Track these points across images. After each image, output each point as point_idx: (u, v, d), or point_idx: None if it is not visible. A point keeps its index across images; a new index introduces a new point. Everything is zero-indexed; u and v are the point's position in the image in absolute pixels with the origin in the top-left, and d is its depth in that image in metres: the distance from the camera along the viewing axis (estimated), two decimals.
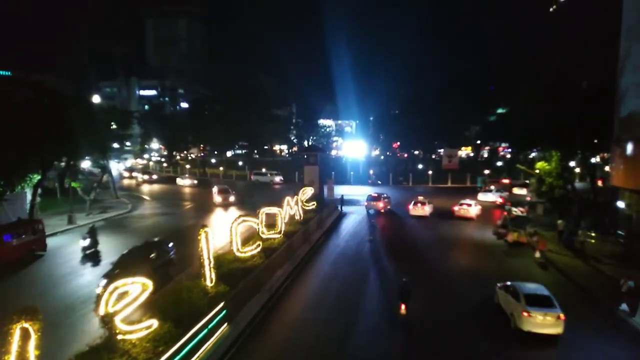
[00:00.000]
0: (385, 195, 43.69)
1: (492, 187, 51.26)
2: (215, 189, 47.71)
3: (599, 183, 41.29)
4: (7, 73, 61.32)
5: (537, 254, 26.44)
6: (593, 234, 30.36)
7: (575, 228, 30.95)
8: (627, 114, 29.27)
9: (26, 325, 8.45)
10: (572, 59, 48.92)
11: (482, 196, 48.63)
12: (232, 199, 46.13)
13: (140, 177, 75.00)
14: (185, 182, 67.38)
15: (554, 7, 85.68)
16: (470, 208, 39.45)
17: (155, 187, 67.37)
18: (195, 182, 67.22)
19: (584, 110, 31.06)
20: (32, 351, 8.55)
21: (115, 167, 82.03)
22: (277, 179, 69.52)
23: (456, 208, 39.88)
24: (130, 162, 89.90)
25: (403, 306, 17.80)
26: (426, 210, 40.32)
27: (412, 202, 41.15)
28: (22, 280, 22.58)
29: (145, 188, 64.59)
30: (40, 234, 26.97)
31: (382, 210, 41.59)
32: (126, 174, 78.00)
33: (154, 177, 75.83)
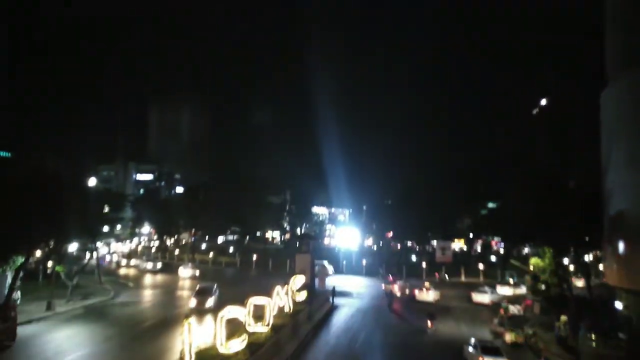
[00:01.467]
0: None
1: (487, 288, 44.88)
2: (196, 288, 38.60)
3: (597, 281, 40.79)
4: (5, 154, 62.42)
5: None
6: (593, 337, 29.24)
7: (575, 330, 29.88)
8: (616, 213, 29.78)
9: None
10: (556, 159, 50.92)
11: (476, 296, 43.28)
12: (210, 303, 35.01)
13: (143, 265, 64.55)
14: (186, 273, 56.77)
15: (537, 110, 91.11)
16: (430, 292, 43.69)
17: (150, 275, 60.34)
18: (197, 273, 57.41)
19: (573, 208, 31.60)
20: None
21: (114, 251, 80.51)
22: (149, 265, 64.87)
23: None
24: (127, 246, 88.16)
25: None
26: (431, 295, 42.87)
27: (418, 288, 44.98)
28: None
29: (131, 272, 62.27)
30: (10, 322, 24.67)
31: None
32: (124, 262, 69.38)
33: (159, 265, 65.15)
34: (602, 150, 33.28)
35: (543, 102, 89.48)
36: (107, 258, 70.62)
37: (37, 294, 37.55)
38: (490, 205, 74.58)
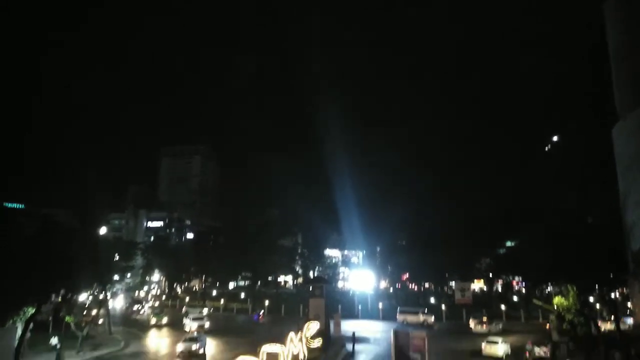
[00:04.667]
0: None
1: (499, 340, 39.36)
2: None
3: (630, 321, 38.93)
4: (20, 206, 63.28)
5: None
6: None
7: None
8: (639, 248, 28.82)
9: None
10: (572, 196, 50.22)
11: (489, 349, 37.83)
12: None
13: (189, 323, 49.78)
14: (193, 326, 49.24)
15: (549, 146, 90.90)
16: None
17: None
18: (207, 324, 51.01)
19: (593, 244, 30.66)
20: None
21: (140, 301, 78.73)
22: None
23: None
24: (150, 299, 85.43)
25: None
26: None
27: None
28: None
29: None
30: None
31: None
32: (153, 320, 55.82)
33: (164, 320, 55.66)
34: (620, 184, 32.75)
35: (554, 138, 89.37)
36: (126, 305, 64.73)
37: (46, 346, 36.70)
38: (509, 244, 72.94)
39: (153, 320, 54.99)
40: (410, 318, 56.83)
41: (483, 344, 37.80)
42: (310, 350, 28.64)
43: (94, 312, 43.82)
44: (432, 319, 57.49)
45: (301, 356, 26.81)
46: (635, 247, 29.97)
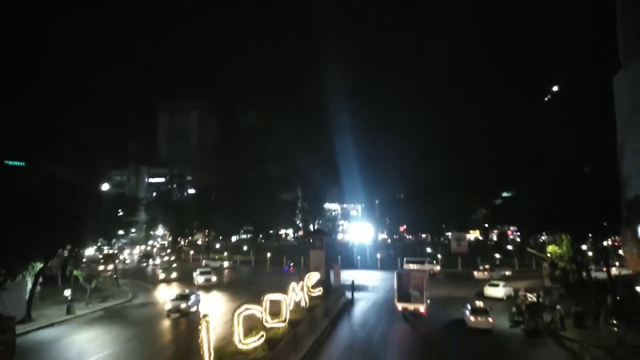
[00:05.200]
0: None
1: (500, 283, 42.66)
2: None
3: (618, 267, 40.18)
4: (21, 163, 63.38)
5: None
6: (615, 322, 28.78)
7: (596, 316, 29.50)
8: (634, 197, 29.25)
9: None
10: (572, 145, 50.23)
11: (490, 291, 41.32)
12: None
13: (197, 277, 50.23)
14: (200, 279, 49.81)
15: (549, 96, 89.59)
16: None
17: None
18: (214, 278, 50.60)
19: (589, 194, 31.10)
20: None
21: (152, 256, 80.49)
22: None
23: None
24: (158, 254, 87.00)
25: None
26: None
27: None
28: None
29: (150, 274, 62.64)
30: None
31: None
32: (162, 275, 55.35)
33: (173, 274, 55.08)
34: (618, 133, 32.67)
35: (554, 88, 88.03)
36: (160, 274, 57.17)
37: (56, 298, 38.15)
38: (505, 194, 73.73)
39: (162, 276, 55.14)
40: (416, 267, 58.66)
41: (485, 287, 41.59)
42: (311, 298, 29.73)
43: (101, 266, 45.00)
44: (438, 267, 60.89)
45: (303, 304, 27.92)
46: (630, 195, 30.34)
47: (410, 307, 32.98)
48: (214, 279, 50.45)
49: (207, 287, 47.90)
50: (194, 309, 34.88)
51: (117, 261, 55.68)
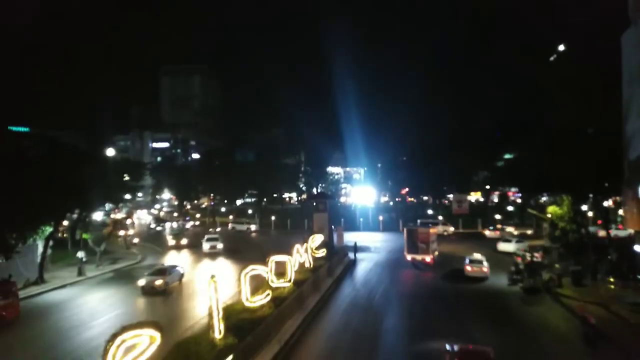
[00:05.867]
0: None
1: (513, 239, 46.05)
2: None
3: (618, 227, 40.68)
4: (25, 129, 63.55)
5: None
6: (612, 280, 29.51)
7: (594, 274, 30.17)
8: (636, 157, 29.29)
9: None
10: (576, 105, 49.67)
11: (503, 246, 44.68)
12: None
13: (204, 243, 48.58)
14: (206, 246, 48.13)
15: (554, 56, 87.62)
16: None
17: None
18: (220, 246, 48.35)
19: (592, 154, 31.15)
20: None
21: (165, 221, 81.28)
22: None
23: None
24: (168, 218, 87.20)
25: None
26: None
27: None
28: (29, 332, 22.28)
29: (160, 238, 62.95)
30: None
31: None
32: (171, 240, 53.85)
33: (183, 241, 53.36)
34: (624, 93, 32.30)
35: (560, 47, 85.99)
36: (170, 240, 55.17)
37: (67, 261, 39.28)
38: (507, 156, 73.63)
39: (172, 242, 53.66)
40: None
41: (499, 243, 45.13)
42: (315, 259, 30.53)
43: (110, 229, 45.85)
44: (452, 229, 62.91)
45: (307, 264, 28.70)
46: (633, 156, 30.36)
47: (418, 257, 37.99)
48: (219, 246, 48.22)
49: (213, 254, 47.13)
50: (175, 283, 31.11)
51: (128, 224, 56.48)
